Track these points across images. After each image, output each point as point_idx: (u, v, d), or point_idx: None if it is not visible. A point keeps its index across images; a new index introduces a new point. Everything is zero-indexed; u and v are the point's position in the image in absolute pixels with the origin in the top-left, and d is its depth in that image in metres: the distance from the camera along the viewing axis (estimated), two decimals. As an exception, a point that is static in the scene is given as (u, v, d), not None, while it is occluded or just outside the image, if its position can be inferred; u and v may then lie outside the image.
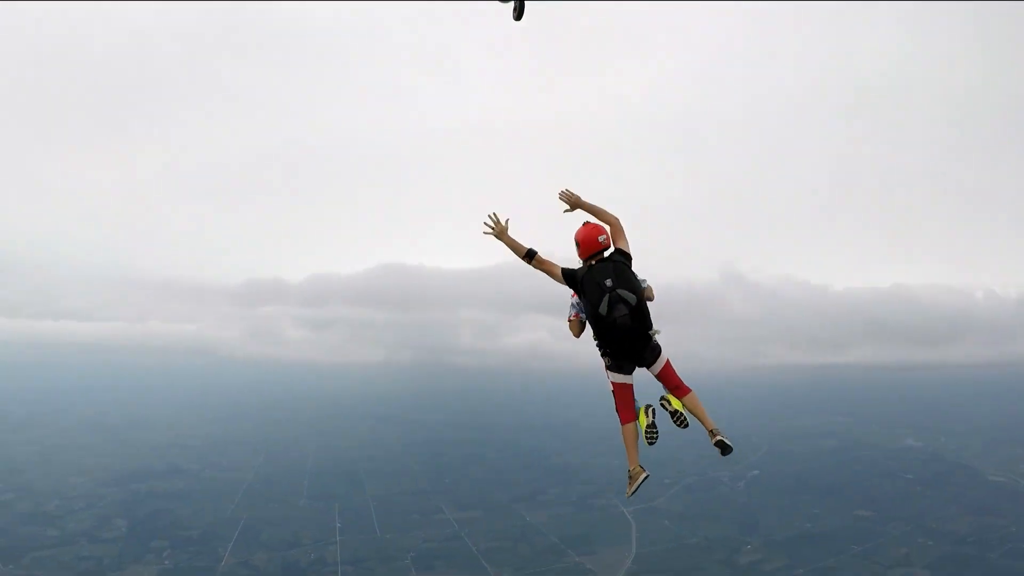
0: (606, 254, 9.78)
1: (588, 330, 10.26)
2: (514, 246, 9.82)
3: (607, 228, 9.90)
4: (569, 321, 10.69)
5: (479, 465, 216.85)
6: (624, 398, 9.93)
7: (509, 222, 9.85)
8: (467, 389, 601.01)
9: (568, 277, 9.79)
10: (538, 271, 9.88)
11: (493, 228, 9.82)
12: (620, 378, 9.90)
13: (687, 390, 9.56)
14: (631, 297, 9.05)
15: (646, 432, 9.76)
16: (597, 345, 9.90)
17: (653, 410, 10.00)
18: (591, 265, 9.60)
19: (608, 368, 9.92)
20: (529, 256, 9.73)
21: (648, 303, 9.60)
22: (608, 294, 9.01)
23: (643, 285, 9.64)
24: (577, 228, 10.01)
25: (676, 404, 9.74)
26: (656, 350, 9.58)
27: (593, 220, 10.14)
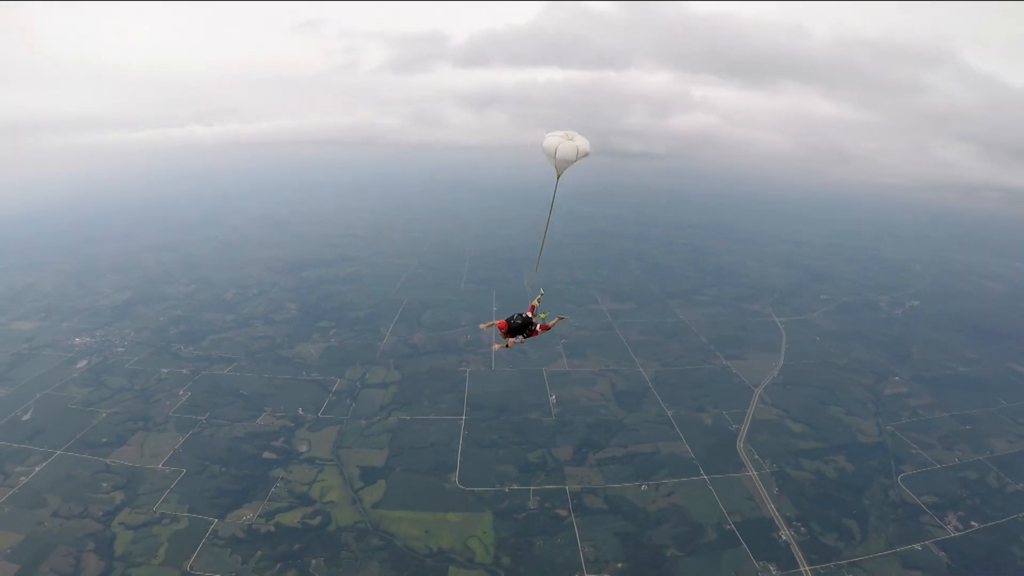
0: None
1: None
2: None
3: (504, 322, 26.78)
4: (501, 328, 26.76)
5: (637, 260, 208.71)
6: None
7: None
8: (630, 179, 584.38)
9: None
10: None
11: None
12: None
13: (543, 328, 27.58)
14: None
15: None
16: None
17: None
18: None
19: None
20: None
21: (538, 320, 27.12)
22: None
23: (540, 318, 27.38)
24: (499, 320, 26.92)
25: (543, 317, 27.39)
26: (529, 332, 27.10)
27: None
